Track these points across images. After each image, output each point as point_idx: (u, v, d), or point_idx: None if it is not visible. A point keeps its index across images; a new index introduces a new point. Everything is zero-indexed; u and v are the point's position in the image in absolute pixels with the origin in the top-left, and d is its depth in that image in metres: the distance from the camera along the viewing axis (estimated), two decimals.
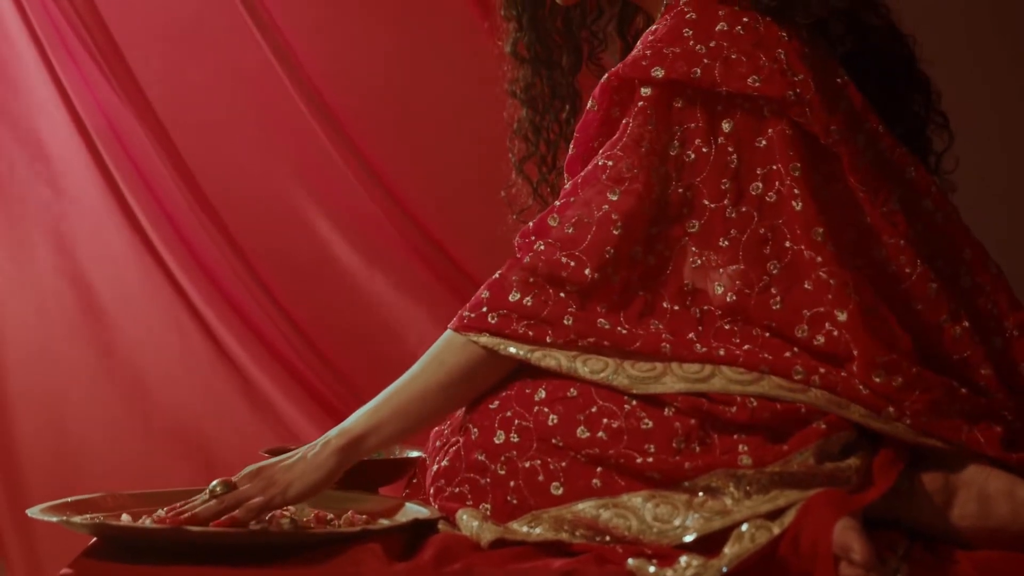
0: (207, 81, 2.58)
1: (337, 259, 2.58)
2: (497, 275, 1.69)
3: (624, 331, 1.64)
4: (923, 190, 1.73)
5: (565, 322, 1.64)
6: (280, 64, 2.53)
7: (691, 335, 1.64)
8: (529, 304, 1.65)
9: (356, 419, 1.68)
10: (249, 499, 1.62)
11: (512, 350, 1.65)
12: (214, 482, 1.64)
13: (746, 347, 1.62)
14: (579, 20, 1.95)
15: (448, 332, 1.68)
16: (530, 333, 1.64)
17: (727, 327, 1.64)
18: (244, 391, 2.49)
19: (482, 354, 1.66)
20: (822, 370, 1.61)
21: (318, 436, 1.71)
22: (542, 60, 1.94)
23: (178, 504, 1.63)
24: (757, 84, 1.65)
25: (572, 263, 1.66)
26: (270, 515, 1.66)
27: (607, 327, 1.64)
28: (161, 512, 1.63)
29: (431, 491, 1.70)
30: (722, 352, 1.61)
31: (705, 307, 1.66)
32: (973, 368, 1.67)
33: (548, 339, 1.64)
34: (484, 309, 1.67)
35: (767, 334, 1.64)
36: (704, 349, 1.62)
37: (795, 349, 1.63)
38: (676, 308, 1.66)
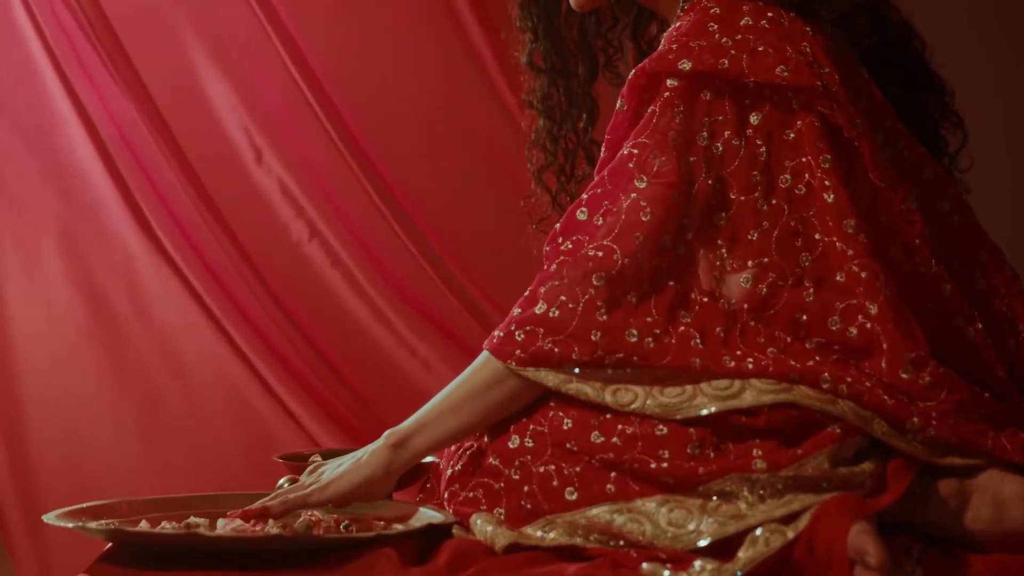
0: (220, 90, 2.58)
1: (347, 266, 2.58)
2: (528, 292, 1.68)
3: (651, 343, 1.62)
4: (940, 191, 1.73)
5: (592, 337, 1.62)
6: (296, 72, 2.54)
7: (719, 330, 1.62)
8: (556, 316, 1.63)
9: (405, 422, 1.69)
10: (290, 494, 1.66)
11: (542, 378, 1.63)
12: (282, 479, 1.71)
13: (771, 351, 1.62)
14: (594, 29, 1.95)
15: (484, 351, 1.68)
16: (556, 350, 1.62)
17: (753, 323, 1.64)
18: (256, 398, 2.50)
19: (512, 375, 1.66)
20: (849, 379, 1.60)
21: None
22: (558, 70, 1.93)
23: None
24: (785, 74, 1.64)
25: (600, 253, 1.64)
26: (303, 517, 1.66)
27: (635, 339, 1.61)
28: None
29: (445, 495, 1.70)
30: (750, 364, 1.60)
31: (733, 300, 1.65)
32: (986, 370, 1.67)
33: (574, 356, 1.62)
34: (512, 327, 1.65)
35: (789, 338, 1.63)
36: (733, 363, 1.60)
37: (817, 358, 1.62)
38: (706, 300, 1.65)
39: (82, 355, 2.53)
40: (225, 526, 1.63)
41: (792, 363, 1.60)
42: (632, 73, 1.71)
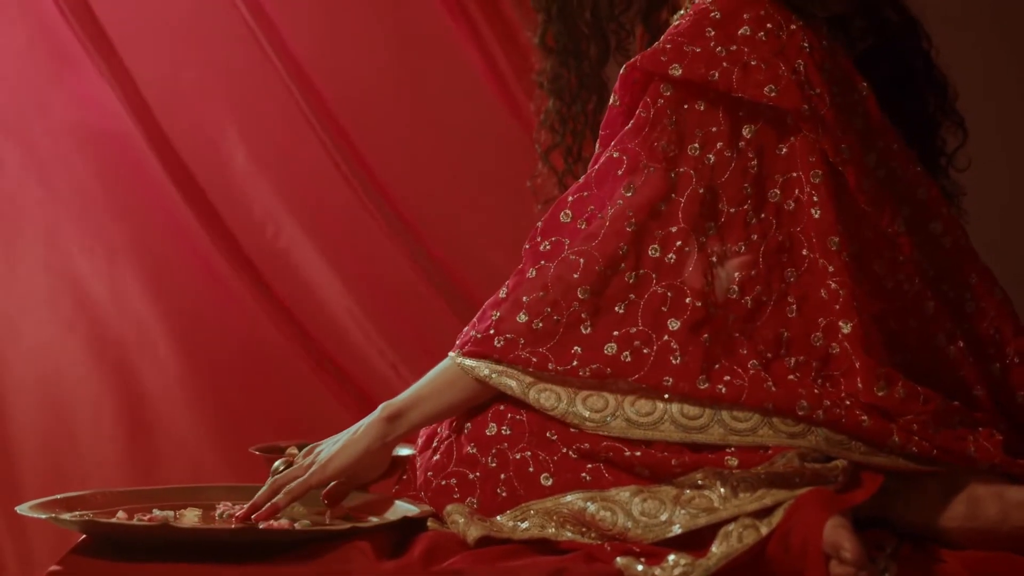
0: (203, 81, 2.57)
1: (328, 254, 2.57)
2: (504, 293, 1.69)
3: (628, 357, 1.62)
4: (933, 212, 1.73)
5: (573, 350, 1.63)
6: (278, 64, 2.53)
7: (706, 337, 1.61)
8: (539, 328, 1.65)
9: (400, 396, 1.71)
10: (291, 481, 1.67)
11: (509, 383, 1.64)
12: (277, 461, 1.73)
13: (752, 364, 1.62)
14: (607, 11, 1.93)
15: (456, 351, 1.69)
16: (533, 359, 1.64)
17: (737, 335, 1.64)
18: (234, 389, 2.49)
19: (478, 382, 1.67)
20: (827, 402, 1.59)
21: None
22: (570, 51, 1.92)
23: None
24: (773, 94, 1.64)
25: (582, 260, 1.65)
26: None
27: (612, 352, 1.62)
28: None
29: (420, 484, 1.71)
30: (723, 389, 1.60)
31: (721, 308, 1.65)
32: (964, 388, 1.68)
33: (550, 366, 1.63)
34: (492, 332, 1.66)
35: (770, 354, 1.63)
36: (706, 385, 1.60)
37: (798, 374, 1.62)
38: (699, 304, 1.63)
39: (62, 345, 2.52)
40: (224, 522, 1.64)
41: (768, 386, 1.60)
42: (624, 68, 1.71)
